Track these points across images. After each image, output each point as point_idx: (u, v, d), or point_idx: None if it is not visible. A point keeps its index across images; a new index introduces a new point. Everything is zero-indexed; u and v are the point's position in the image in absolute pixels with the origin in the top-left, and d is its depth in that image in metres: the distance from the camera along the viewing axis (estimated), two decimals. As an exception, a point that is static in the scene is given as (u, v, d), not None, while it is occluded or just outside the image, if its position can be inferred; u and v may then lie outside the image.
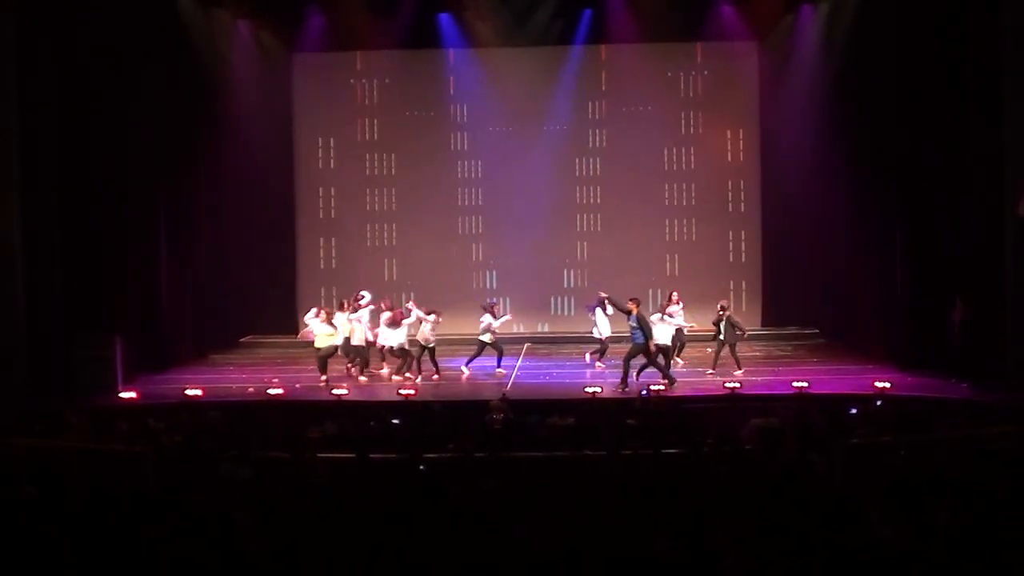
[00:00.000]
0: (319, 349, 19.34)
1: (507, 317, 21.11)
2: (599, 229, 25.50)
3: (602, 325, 20.22)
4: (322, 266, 25.76)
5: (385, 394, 18.14)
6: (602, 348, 20.28)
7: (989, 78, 17.77)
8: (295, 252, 25.74)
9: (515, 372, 20.22)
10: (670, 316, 19.19)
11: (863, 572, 7.32)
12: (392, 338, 19.45)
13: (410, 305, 20.21)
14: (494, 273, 25.72)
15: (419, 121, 25.66)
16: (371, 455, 11.53)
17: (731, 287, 24.67)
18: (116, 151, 19.73)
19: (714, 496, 9.51)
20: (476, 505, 9.17)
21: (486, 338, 19.75)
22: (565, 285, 25.54)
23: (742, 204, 25.35)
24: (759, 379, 18.72)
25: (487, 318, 19.79)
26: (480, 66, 25.09)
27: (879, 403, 15.15)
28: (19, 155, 17.90)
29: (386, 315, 19.57)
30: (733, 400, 16.68)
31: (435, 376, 19.38)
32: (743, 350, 19.89)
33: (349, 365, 19.89)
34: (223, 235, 23.69)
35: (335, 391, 17.60)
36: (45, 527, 8.36)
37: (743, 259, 25.24)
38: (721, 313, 19.11)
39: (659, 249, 25.47)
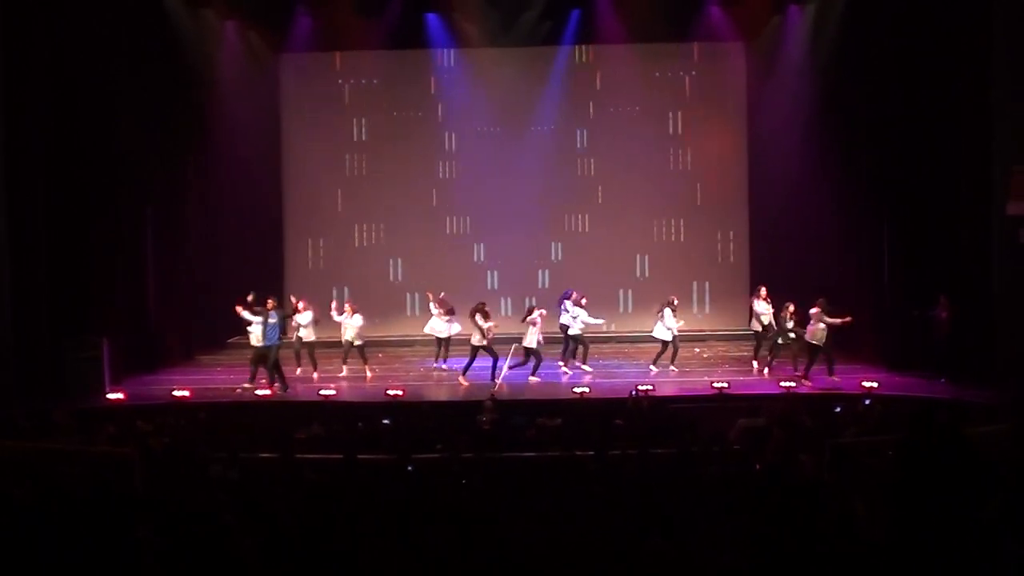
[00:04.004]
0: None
1: (598, 321, 20.72)
2: (587, 230, 25.47)
3: (660, 330, 19.82)
4: (310, 266, 25.71)
5: (373, 395, 18.11)
6: (673, 351, 19.93)
7: (978, 78, 17.85)
8: (283, 252, 25.70)
9: (503, 372, 20.19)
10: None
11: (851, 572, 7.31)
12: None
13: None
14: (484, 273, 25.64)
15: (407, 121, 25.61)
16: (359, 456, 11.50)
17: (719, 287, 24.67)
18: (103, 151, 19.66)
19: (702, 496, 9.50)
20: (464, 506, 9.14)
21: (576, 331, 19.69)
22: (544, 286, 25.44)
23: (730, 204, 25.33)
24: (747, 379, 18.76)
25: (579, 312, 19.71)
26: (468, 66, 25.07)
27: (867, 402, 15.17)
28: (5, 155, 17.86)
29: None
30: (721, 400, 16.71)
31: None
32: (731, 350, 19.91)
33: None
34: (211, 235, 23.63)
35: (323, 391, 17.59)
36: (31, 529, 8.31)
37: (731, 259, 25.25)
38: (787, 313, 18.84)
39: (647, 249, 25.46)
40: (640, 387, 16.80)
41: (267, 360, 18.46)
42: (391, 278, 25.64)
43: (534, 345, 19.17)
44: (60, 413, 14.92)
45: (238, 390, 18.37)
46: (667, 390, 17.63)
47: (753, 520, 8.34)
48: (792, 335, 18.84)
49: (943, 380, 17.60)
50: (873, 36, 20.25)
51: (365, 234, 25.69)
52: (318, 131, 25.65)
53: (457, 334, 20.49)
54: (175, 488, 10.34)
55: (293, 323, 19.79)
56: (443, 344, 20.61)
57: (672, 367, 19.78)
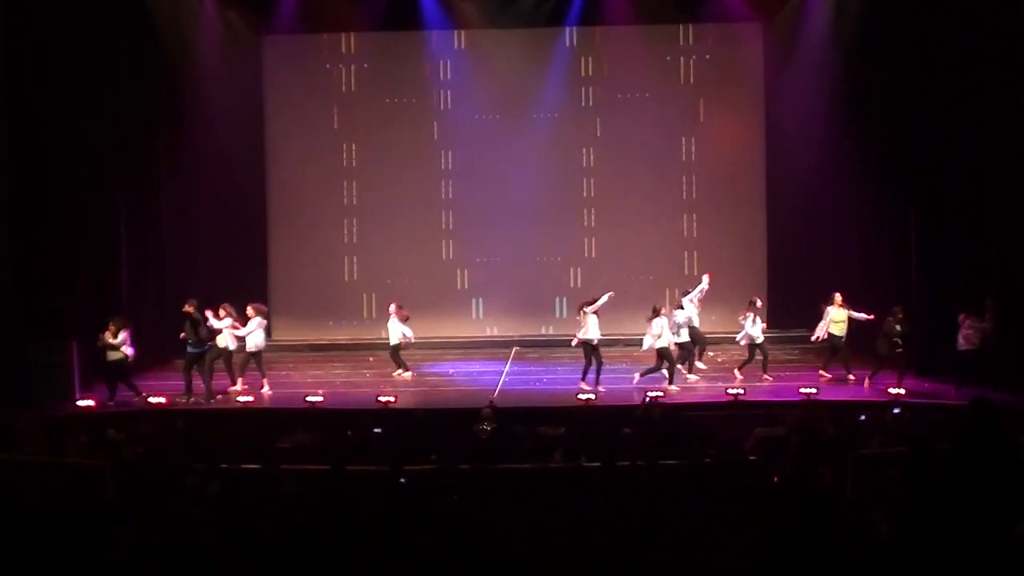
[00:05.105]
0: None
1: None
2: (592, 225, 25.38)
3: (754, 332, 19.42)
4: (296, 263, 25.59)
5: (363, 401, 18.09)
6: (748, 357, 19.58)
7: (1011, 57, 17.75)
8: (266, 248, 25.58)
9: (503, 378, 20.19)
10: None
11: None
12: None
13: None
14: (482, 271, 25.58)
15: (400, 108, 25.52)
16: (348, 467, 11.48)
17: (734, 286, 24.60)
18: (70, 141, 19.61)
19: (716, 510, 9.49)
20: (461, 521, 9.13)
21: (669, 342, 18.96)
22: (560, 283, 25.44)
23: (746, 197, 25.21)
24: (764, 384, 18.73)
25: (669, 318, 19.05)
26: (464, 49, 25.02)
27: (896, 411, 15.09)
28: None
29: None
30: (737, 407, 16.68)
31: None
32: (744, 353, 19.80)
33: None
34: (189, 231, 23.61)
35: (309, 398, 17.56)
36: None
37: (747, 255, 25.12)
38: (896, 318, 18.28)
39: (656, 246, 25.38)
40: (650, 394, 16.82)
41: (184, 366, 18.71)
42: (384, 276, 25.53)
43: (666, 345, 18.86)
44: (25, 422, 14.88)
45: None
46: (679, 396, 17.60)
47: (770, 536, 8.33)
48: (899, 341, 18.46)
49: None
50: (899, 13, 20.18)
51: (355, 229, 25.59)
52: (305, 118, 25.54)
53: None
54: (150, 503, 10.32)
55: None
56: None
57: (738, 373, 19.45)
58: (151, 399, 17.69)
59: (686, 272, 24.72)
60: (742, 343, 19.67)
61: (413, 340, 20.80)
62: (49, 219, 19.26)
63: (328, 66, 25.61)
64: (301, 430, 14.59)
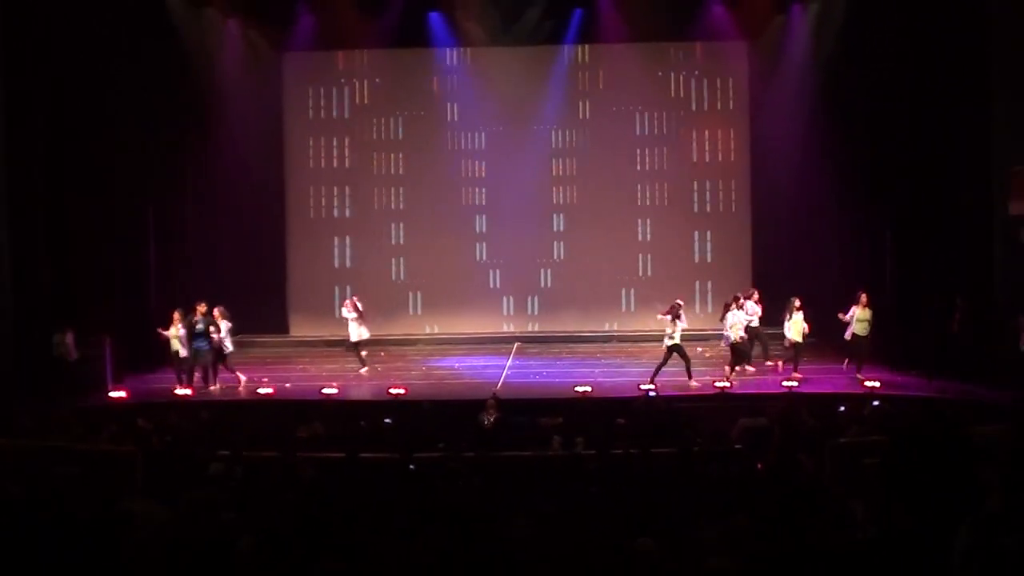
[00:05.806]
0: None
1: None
2: (586, 229, 25.37)
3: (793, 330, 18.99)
4: (312, 265, 25.63)
5: (375, 393, 18.12)
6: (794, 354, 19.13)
7: (977, 77, 17.85)
8: (285, 251, 25.62)
9: (505, 372, 20.21)
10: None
11: (850, 572, 7.30)
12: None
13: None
14: (487, 272, 25.59)
15: (409, 121, 25.57)
16: (361, 455, 11.49)
17: (721, 287, 24.58)
18: (104, 150, 19.75)
19: (703, 495, 9.49)
20: (465, 504, 9.14)
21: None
22: (543, 285, 25.50)
23: (732, 204, 25.25)
24: (748, 379, 18.72)
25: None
26: (470, 65, 25.06)
27: (876, 403, 15.07)
28: (6, 155, 17.90)
29: None
30: (722, 399, 16.69)
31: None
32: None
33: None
34: (212, 234, 23.63)
35: (325, 390, 17.59)
36: (31, 527, 8.30)
37: (733, 259, 25.12)
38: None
39: (647, 249, 25.40)
40: (643, 386, 16.83)
41: (192, 362, 18.54)
42: (393, 277, 25.58)
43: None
44: (61, 411, 14.89)
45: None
46: (670, 390, 17.61)
47: (753, 519, 8.34)
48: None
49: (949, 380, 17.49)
50: (875, 36, 20.26)
51: (367, 233, 25.60)
52: (320, 130, 25.63)
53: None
54: (176, 487, 10.32)
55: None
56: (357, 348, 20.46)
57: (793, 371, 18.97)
58: (177, 391, 17.71)
59: (679, 274, 24.73)
60: (787, 343, 19.29)
61: (363, 338, 20.53)
62: (84, 223, 19.36)
63: (343, 81, 25.67)
64: (318, 420, 14.60)
